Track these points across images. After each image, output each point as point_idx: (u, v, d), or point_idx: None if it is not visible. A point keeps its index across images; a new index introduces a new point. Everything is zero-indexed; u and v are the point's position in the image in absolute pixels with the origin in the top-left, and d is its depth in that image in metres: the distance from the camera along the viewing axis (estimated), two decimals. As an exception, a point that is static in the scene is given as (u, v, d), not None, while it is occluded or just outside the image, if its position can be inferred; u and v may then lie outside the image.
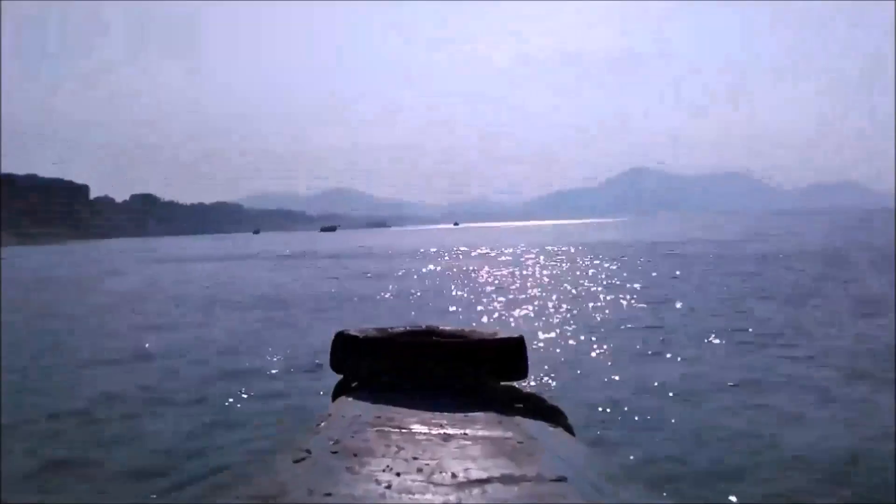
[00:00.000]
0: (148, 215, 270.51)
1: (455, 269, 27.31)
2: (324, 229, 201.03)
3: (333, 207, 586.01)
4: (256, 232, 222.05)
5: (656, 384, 7.43)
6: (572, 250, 38.98)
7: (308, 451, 1.18)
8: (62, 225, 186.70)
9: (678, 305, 13.98)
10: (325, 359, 1.85)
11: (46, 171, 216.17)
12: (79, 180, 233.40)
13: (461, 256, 37.96)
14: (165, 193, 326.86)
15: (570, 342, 10.43)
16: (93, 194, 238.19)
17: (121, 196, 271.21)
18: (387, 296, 18.35)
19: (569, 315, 13.31)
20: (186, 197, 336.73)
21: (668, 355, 9.02)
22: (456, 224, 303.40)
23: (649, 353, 9.29)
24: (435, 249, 46.88)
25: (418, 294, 18.59)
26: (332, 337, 1.92)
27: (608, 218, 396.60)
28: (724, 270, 22.16)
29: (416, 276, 24.02)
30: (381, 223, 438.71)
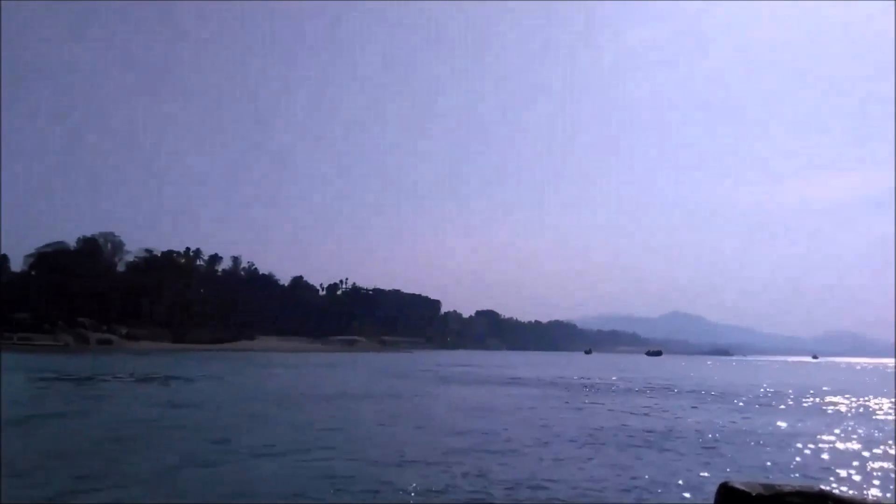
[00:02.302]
0: (489, 330, 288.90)
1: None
2: (649, 353, 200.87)
3: (672, 332, 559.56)
4: (588, 352, 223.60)
5: None
6: None
7: None
8: (416, 336, 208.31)
9: None
10: None
11: (408, 287, 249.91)
12: (433, 296, 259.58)
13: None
14: (506, 311, 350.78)
15: None
16: (443, 309, 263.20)
17: (467, 312, 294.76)
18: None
19: None
20: (524, 315, 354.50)
21: None
22: (815, 357, 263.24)
23: None
24: (775, 389, 38.14)
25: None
26: (716, 489, 1.75)
27: None
28: None
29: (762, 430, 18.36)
30: (723, 351, 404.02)
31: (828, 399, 31.12)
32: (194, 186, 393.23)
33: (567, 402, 25.71)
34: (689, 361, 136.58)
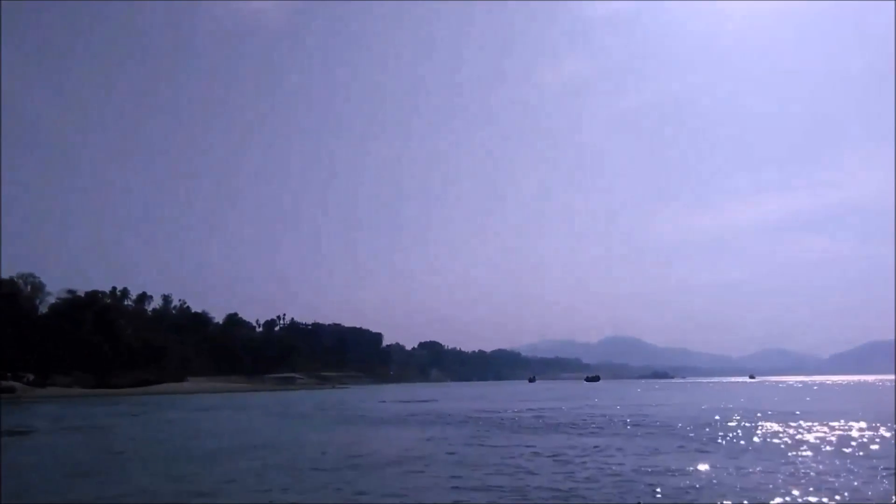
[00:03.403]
0: (432, 362, 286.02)
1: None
2: (588, 379, 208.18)
3: (612, 356, 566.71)
4: (532, 380, 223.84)
5: None
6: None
7: None
8: (357, 370, 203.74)
9: None
10: None
11: (349, 321, 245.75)
12: (375, 329, 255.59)
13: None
14: (449, 341, 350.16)
15: None
16: (385, 342, 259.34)
17: (410, 344, 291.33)
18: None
19: None
20: (468, 345, 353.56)
21: None
22: (752, 377, 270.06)
23: None
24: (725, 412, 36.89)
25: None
26: None
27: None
28: None
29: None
30: (663, 374, 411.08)
31: (770, 426, 30.05)
32: (125, 223, 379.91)
33: (476, 444, 23.39)
34: (624, 386, 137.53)
